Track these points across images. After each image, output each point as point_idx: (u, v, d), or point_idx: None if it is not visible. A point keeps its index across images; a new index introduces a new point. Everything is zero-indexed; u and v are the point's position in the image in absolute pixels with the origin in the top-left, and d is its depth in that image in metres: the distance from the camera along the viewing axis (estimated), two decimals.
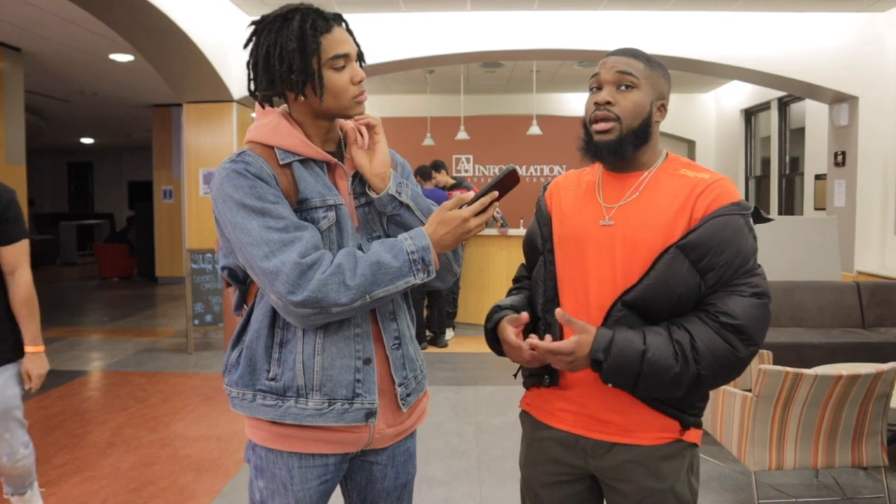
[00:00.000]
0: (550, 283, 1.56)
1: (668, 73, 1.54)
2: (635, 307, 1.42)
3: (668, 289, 1.39)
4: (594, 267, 1.48)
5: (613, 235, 1.47)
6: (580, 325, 1.40)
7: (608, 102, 1.46)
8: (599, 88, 1.50)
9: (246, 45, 1.49)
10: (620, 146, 1.46)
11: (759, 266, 1.45)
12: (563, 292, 1.55)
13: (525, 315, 1.49)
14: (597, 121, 1.47)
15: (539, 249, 1.60)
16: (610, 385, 1.42)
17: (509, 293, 1.73)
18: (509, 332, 1.49)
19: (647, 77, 1.47)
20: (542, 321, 1.56)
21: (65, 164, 19.33)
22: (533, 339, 1.43)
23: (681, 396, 1.45)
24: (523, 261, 1.76)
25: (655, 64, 1.50)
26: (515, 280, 1.77)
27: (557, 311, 1.41)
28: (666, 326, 1.42)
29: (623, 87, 1.47)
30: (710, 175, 1.47)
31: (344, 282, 1.33)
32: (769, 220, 1.51)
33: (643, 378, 1.38)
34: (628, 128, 1.46)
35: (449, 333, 7.03)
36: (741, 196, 1.44)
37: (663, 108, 1.52)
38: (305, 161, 1.46)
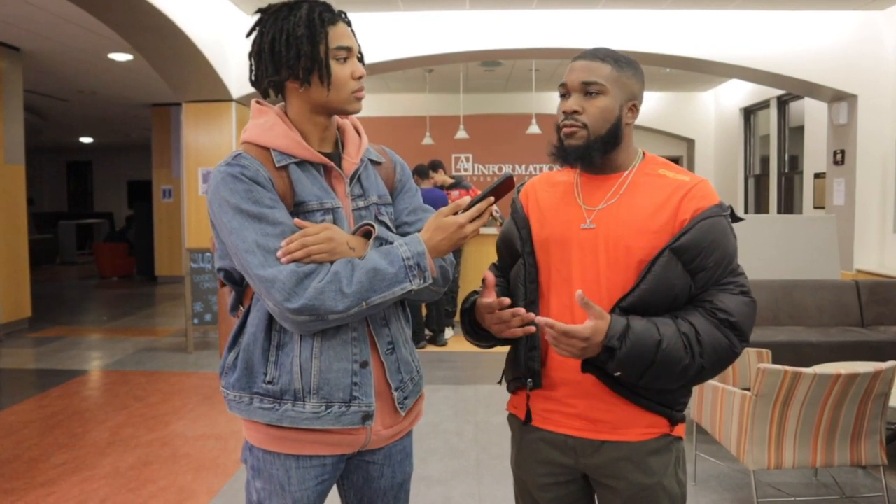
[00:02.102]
0: (532, 285, 1.55)
1: (639, 71, 1.53)
2: (632, 312, 1.43)
3: (664, 292, 1.41)
4: (578, 269, 1.49)
5: (596, 238, 1.48)
6: (597, 311, 1.37)
7: (575, 111, 1.47)
8: (568, 95, 1.50)
9: (249, 34, 1.48)
10: (588, 152, 1.48)
11: (740, 265, 1.49)
12: (546, 295, 1.55)
13: (506, 300, 1.46)
14: (565, 128, 1.49)
15: (518, 252, 1.59)
16: (617, 374, 1.41)
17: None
18: (484, 296, 1.47)
19: (614, 80, 1.47)
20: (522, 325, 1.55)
21: (64, 163, 19.29)
22: (548, 319, 1.38)
23: (674, 389, 1.47)
24: None
25: (625, 64, 1.49)
26: None
27: (578, 292, 1.36)
28: (672, 318, 1.43)
29: (590, 94, 1.47)
30: (689, 177, 1.49)
31: (340, 289, 1.32)
32: (741, 219, 1.54)
33: (654, 368, 1.39)
34: (596, 134, 1.47)
35: (448, 332, 7.03)
36: (719, 197, 1.47)
37: (635, 108, 1.51)
38: (302, 163, 1.45)
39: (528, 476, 1.61)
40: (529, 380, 1.54)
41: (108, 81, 9.69)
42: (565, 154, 1.50)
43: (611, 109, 1.47)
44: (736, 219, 1.50)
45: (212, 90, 7.12)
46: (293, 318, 1.32)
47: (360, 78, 1.46)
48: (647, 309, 1.42)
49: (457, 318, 7.35)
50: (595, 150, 1.48)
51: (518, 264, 1.59)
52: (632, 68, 1.50)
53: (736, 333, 1.42)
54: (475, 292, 1.59)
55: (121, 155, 18.78)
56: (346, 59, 1.44)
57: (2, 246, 7.36)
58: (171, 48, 6.31)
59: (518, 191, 1.67)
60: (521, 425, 1.62)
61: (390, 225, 1.55)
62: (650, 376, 1.41)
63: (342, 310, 1.33)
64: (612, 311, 1.43)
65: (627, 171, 1.52)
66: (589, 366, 1.46)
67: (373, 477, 1.57)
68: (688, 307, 1.45)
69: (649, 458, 1.48)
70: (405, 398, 1.54)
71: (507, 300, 1.45)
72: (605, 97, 1.46)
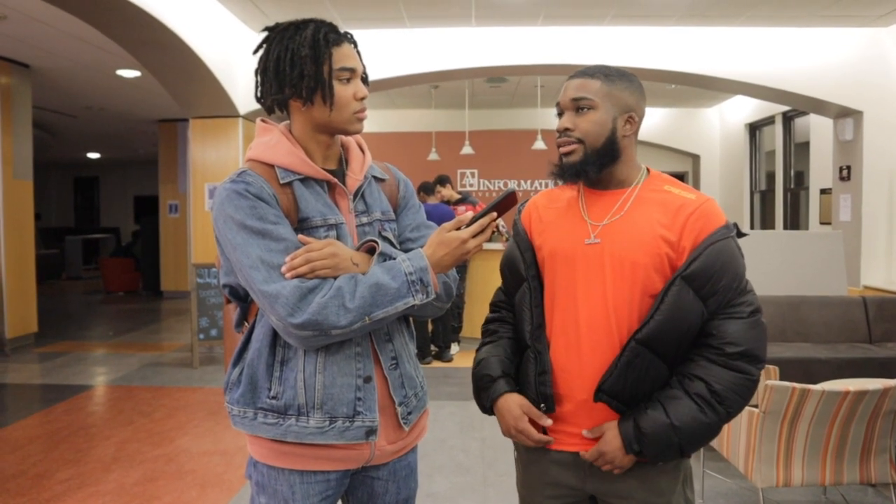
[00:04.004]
0: (537, 309, 1.55)
1: (635, 83, 1.53)
2: (649, 343, 1.42)
3: (679, 321, 1.41)
4: (583, 285, 1.49)
5: (601, 254, 1.48)
6: (597, 430, 1.45)
7: (567, 129, 1.50)
8: (562, 114, 1.53)
9: (256, 51, 1.50)
10: (583, 167, 1.49)
11: (748, 281, 1.48)
12: (550, 313, 1.54)
13: (547, 421, 1.52)
14: (560, 146, 1.51)
15: (522, 276, 1.58)
16: (659, 463, 1.46)
17: (487, 324, 1.71)
18: (534, 433, 1.52)
19: (604, 94, 1.48)
20: (531, 349, 1.55)
21: (71, 178, 19.41)
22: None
23: None
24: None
25: (616, 77, 1.50)
26: (493, 305, 1.73)
27: (581, 454, 1.48)
28: (679, 382, 1.43)
29: (581, 110, 1.49)
30: (695, 196, 1.49)
31: (343, 304, 1.33)
32: (745, 235, 1.54)
33: (684, 444, 1.41)
34: (592, 148, 1.48)
35: (454, 348, 7.01)
36: (725, 217, 1.47)
37: (632, 121, 1.51)
38: (306, 180, 1.47)
39: (535, 497, 1.60)
40: (542, 404, 1.53)
41: (116, 98, 9.76)
42: (562, 171, 1.52)
43: (603, 122, 1.48)
44: (740, 234, 1.50)
45: (219, 106, 7.17)
46: (297, 333, 1.33)
47: (362, 99, 1.48)
48: (663, 338, 1.41)
49: (463, 333, 7.35)
50: (590, 165, 1.48)
51: (523, 288, 1.58)
52: (625, 81, 1.51)
53: (749, 361, 1.41)
54: (490, 376, 1.61)
55: (127, 170, 18.90)
56: (349, 80, 1.46)
57: (9, 261, 7.39)
58: (178, 64, 6.36)
59: (519, 212, 1.67)
60: (528, 447, 1.60)
61: (394, 241, 1.56)
62: (688, 448, 1.43)
63: (345, 325, 1.34)
64: (627, 344, 1.43)
65: (632, 187, 1.52)
66: (601, 394, 1.45)
67: (377, 493, 1.57)
68: (693, 352, 1.44)
69: (658, 478, 1.48)
70: (409, 413, 1.54)
71: (544, 437, 1.52)
72: (595, 111, 1.48)
